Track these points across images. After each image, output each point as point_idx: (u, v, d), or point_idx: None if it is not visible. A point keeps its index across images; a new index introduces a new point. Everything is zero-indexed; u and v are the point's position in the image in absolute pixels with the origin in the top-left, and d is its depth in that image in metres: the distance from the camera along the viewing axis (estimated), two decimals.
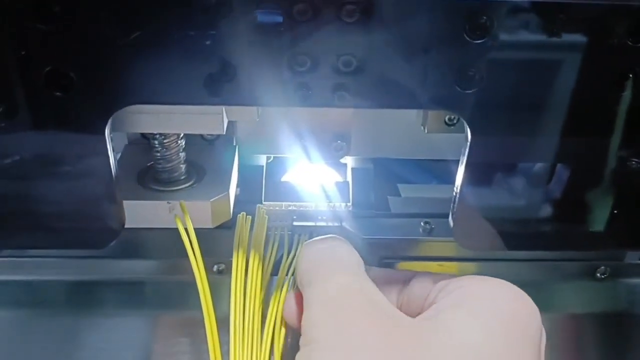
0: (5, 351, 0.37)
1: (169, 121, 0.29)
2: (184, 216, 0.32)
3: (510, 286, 0.26)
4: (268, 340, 0.30)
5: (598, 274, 0.40)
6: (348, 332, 0.23)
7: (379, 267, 0.31)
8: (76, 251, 0.37)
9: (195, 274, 0.31)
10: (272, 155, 0.41)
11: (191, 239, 0.31)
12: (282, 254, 0.34)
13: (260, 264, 0.32)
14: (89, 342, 0.37)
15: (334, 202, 0.38)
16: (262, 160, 0.41)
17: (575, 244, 0.33)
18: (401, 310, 0.28)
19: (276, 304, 0.31)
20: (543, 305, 0.39)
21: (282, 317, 0.30)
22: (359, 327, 0.23)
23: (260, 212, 0.34)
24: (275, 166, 0.42)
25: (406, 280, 0.29)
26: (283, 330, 0.30)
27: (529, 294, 0.39)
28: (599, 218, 0.31)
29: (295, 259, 0.33)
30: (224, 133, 0.31)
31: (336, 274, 0.26)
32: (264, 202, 0.38)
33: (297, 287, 0.29)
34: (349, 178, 0.40)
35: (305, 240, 0.31)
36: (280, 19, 0.24)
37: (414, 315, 0.26)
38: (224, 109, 0.30)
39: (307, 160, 0.37)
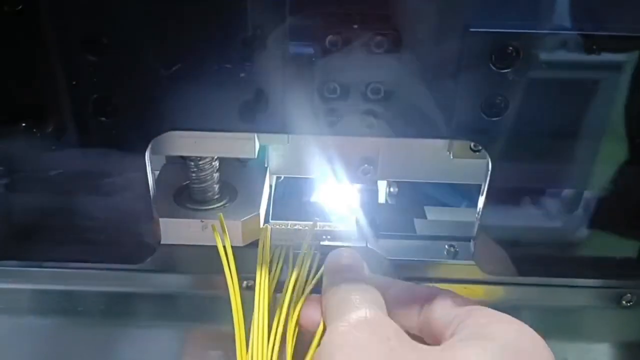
0: (44, 356, 0.39)
1: (204, 145, 0.31)
2: (223, 234, 0.33)
3: (523, 325, 0.26)
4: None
5: (624, 301, 0.39)
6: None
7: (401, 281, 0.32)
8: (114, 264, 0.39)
9: (229, 289, 0.32)
10: (282, 175, 0.42)
11: (228, 256, 0.33)
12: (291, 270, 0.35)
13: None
14: (123, 352, 0.39)
15: (337, 222, 0.39)
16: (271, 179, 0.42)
17: (600, 271, 0.34)
18: (421, 332, 0.29)
19: (293, 321, 0.32)
20: (567, 332, 0.40)
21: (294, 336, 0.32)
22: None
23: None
24: (283, 186, 0.43)
25: (427, 297, 0.30)
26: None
27: (553, 320, 0.40)
28: (624, 245, 0.32)
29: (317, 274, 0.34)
30: (256, 157, 0.32)
31: (359, 309, 0.28)
32: (271, 221, 0.39)
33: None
34: (355, 199, 0.41)
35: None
36: (311, 50, 0.26)
37: (434, 338, 0.28)
38: (255, 134, 0.32)
39: (331, 182, 0.38)
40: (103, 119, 0.27)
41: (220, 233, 0.33)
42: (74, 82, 0.26)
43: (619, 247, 0.32)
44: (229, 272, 0.32)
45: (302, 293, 0.33)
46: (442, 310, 0.29)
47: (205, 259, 0.37)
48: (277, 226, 0.38)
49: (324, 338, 0.27)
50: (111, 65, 0.26)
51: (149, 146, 0.28)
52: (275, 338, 0.31)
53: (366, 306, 0.28)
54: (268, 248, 0.35)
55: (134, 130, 0.27)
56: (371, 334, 0.26)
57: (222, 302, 0.38)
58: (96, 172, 0.29)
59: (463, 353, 0.25)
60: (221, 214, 0.34)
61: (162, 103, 0.27)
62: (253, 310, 0.33)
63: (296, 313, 0.32)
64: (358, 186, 0.41)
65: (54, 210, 0.30)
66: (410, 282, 0.32)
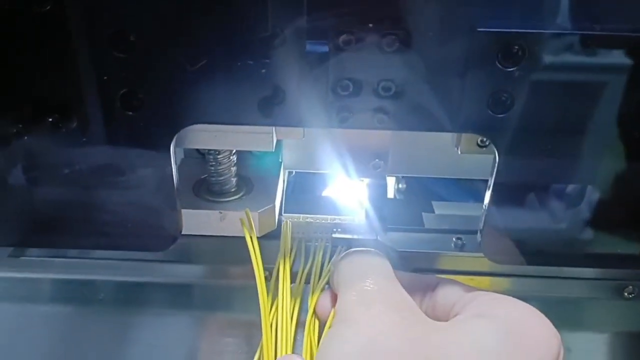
0: (66, 342, 0.41)
1: (224, 139, 0.32)
2: (250, 225, 0.35)
3: (528, 306, 0.28)
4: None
5: (626, 293, 0.40)
6: (379, 319, 0.26)
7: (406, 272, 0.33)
8: (132, 254, 0.40)
9: (256, 278, 0.34)
10: (294, 170, 0.44)
11: (255, 246, 0.34)
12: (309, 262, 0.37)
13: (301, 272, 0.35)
14: (141, 338, 0.40)
15: (346, 215, 0.40)
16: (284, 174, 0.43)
17: (604, 264, 0.35)
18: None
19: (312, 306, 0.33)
20: (570, 322, 0.41)
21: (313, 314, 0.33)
22: (389, 316, 0.27)
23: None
24: (296, 180, 0.44)
25: (430, 286, 0.31)
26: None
27: (557, 311, 0.40)
28: (628, 239, 0.33)
29: (329, 266, 0.36)
30: (273, 150, 0.34)
31: (370, 275, 0.29)
32: (283, 214, 0.40)
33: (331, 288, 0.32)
34: (364, 193, 0.43)
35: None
36: (326, 48, 0.27)
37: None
38: (273, 129, 0.33)
39: (344, 177, 0.40)
40: (130, 113, 0.28)
41: (248, 227, 0.35)
42: (104, 78, 0.28)
43: (623, 241, 0.33)
44: (256, 264, 0.33)
45: (318, 281, 0.35)
46: (446, 296, 0.30)
47: (221, 250, 0.39)
48: (290, 219, 0.39)
49: (337, 306, 0.29)
50: (138, 62, 0.27)
51: (174, 139, 0.29)
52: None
53: (377, 272, 0.29)
54: (289, 242, 0.37)
55: (159, 123, 0.29)
56: (383, 304, 0.27)
57: (238, 292, 0.40)
58: (123, 165, 0.30)
59: (469, 327, 0.26)
60: (248, 210, 0.35)
61: (187, 97, 0.28)
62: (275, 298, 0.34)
63: (314, 301, 0.33)
64: (367, 181, 0.43)
65: (82, 201, 0.31)
66: (413, 273, 0.34)
